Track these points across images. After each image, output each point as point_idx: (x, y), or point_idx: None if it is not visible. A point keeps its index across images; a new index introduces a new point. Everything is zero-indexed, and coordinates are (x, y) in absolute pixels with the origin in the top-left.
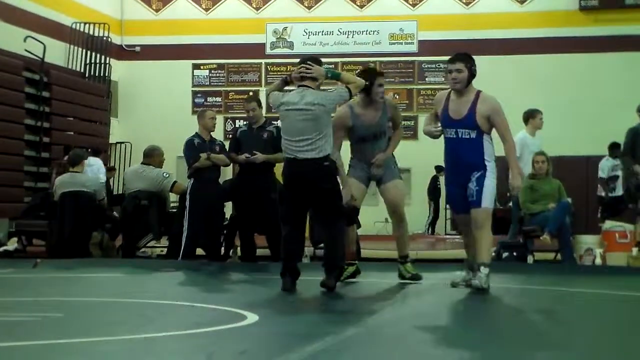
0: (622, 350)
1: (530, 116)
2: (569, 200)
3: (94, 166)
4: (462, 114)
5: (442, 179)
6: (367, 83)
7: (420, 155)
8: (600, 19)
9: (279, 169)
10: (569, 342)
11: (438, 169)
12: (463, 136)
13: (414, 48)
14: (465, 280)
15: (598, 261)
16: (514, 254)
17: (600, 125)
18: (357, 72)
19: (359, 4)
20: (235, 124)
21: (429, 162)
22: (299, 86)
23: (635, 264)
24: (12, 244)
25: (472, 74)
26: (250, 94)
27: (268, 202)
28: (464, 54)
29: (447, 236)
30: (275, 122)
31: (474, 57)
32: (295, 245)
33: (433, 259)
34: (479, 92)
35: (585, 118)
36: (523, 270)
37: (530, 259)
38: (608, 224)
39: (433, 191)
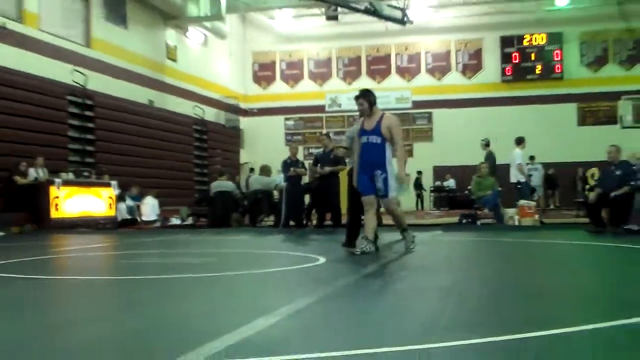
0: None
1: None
2: (499, 189)
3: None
4: (372, 126)
5: (421, 178)
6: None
7: (411, 165)
8: (514, 86)
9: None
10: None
11: (418, 172)
12: (372, 141)
13: (409, 105)
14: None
15: (517, 224)
16: (469, 220)
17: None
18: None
19: (377, 81)
20: (309, 151)
21: (413, 169)
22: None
23: (534, 224)
24: (190, 221)
25: (370, 103)
26: (322, 132)
27: (333, 194)
28: (362, 91)
29: (430, 211)
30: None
31: (442, 109)
32: (357, 227)
33: (421, 224)
34: (383, 113)
35: (501, 145)
36: (474, 229)
37: (478, 223)
38: (521, 202)
39: (416, 185)
